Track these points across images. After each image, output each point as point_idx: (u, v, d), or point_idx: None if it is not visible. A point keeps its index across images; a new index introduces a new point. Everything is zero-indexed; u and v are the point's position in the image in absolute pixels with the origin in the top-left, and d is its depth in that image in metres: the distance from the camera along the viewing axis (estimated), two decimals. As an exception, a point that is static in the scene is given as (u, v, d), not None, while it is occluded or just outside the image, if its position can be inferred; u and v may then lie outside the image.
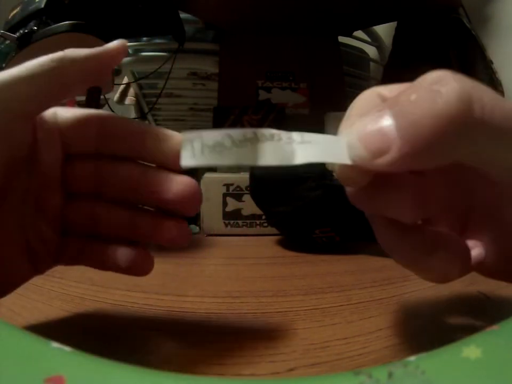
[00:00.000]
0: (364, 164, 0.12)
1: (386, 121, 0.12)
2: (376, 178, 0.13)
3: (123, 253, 0.19)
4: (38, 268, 0.18)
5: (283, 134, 0.12)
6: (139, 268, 0.19)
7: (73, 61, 0.16)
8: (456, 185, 0.16)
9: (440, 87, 0.11)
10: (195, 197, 0.18)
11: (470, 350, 0.09)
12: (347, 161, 0.12)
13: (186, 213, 0.18)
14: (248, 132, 0.12)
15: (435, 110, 0.11)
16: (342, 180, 0.13)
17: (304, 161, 0.12)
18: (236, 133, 0.12)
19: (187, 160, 0.12)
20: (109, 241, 0.19)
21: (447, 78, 0.11)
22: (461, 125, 0.11)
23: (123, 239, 0.19)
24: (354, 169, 0.13)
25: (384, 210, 0.14)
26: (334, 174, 0.14)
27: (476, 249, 0.17)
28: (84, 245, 0.19)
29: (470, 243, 0.17)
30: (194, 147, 0.12)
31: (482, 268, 0.17)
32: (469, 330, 0.10)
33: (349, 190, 0.15)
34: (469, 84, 0.11)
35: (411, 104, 0.11)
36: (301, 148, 0.12)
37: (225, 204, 0.52)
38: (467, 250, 0.15)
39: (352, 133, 0.12)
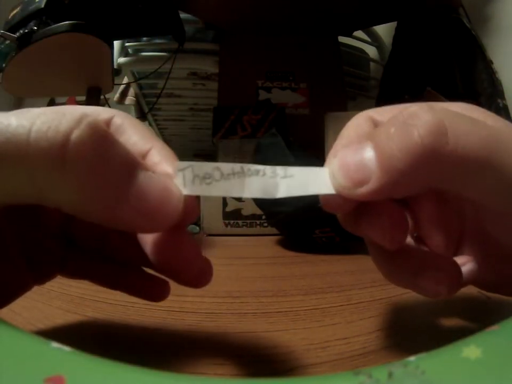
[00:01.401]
0: (345, 193, 0.13)
1: (367, 153, 0.12)
2: (360, 205, 0.14)
3: (135, 276, 0.18)
4: (39, 278, 0.17)
5: (268, 169, 0.13)
6: (152, 294, 0.18)
7: None
8: (446, 205, 0.16)
9: (415, 121, 0.12)
10: (208, 279, 0.16)
11: (470, 350, 0.09)
12: (330, 190, 0.13)
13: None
14: (236, 166, 0.13)
15: (408, 143, 0.11)
16: (327, 207, 0.14)
17: (285, 195, 0.13)
18: (225, 166, 0.13)
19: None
20: (119, 262, 0.18)
21: (422, 111, 0.12)
22: (432, 157, 0.11)
23: (135, 262, 0.18)
24: (338, 197, 0.13)
25: (368, 235, 0.15)
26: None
27: (468, 265, 0.17)
28: (91, 260, 0.18)
29: (463, 258, 0.18)
30: (186, 177, 0.13)
31: (476, 281, 0.18)
32: (469, 330, 0.10)
33: (338, 215, 0.16)
34: (445, 116, 0.12)
35: (389, 138, 0.12)
36: (284, 182, 0.13)
37: (225, 204, 0.52)
38: (456, 269, 0.15)
39: (334, 164, 0.13)
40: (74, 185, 0.11)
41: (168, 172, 0.13)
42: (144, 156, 0.14)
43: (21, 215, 0.16)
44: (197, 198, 0.14)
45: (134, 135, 0.15)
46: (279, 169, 0.13)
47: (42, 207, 0.16)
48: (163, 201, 0.12)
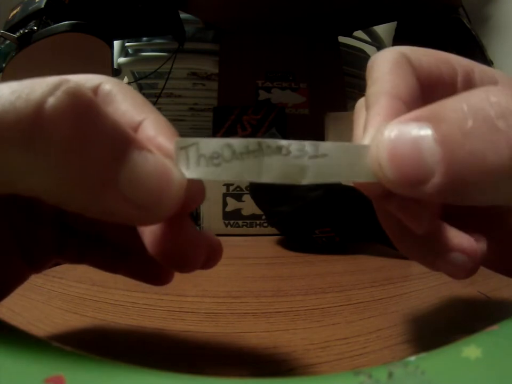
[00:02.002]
0: (393, 189, 0.10)
1: (428, 144, 0.09)
2: None
3: (136, 258, 0.16)
4: (34, 266, 0.16)
5: (294, 146, 0.10)
6: (156, 277, 0.16)
7: None
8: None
9: (509, 125, 0.09)
10: (216, 262, 0.15)
11: (470, 350, 0.09)
12: (371, 178, 0.11)
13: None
14: (252, 142, 0.10)
15: (493, 157, 0.09)
16: (360, 189, 0.12)
17: (314, 180, 0.11)
18: (238, 143, 0.10)
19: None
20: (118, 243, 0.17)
21: None
22: None
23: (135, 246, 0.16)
24: (378, 186, 0.11)
25: (398, 215, 0.12)
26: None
27: (480, 243, 0.16)
28: (89, 243, 0.17)
29: (474, 236, 0.16)
30: (189, 157, 0.10)
31: (485, 261, 0.16)
32: (469, 330, 0.10)
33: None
34: None
35: (464, 135, 0.09)
36: (313, 164, 0.11)
37: (225, 204, 0.52)
38: (478, 251, 0.13)
39: (382, 148, 0.10)
40: (48, 168, 0.09)
41: (165, 148, 0.11)
42: (136, 128, 0.12)
43: (9, 200, 0.14)
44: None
45: (123, 103, 0.12)
46: (309, 146, 0.11)
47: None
48: (161, 188, 0.10)
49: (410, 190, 0.10)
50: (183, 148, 0.10)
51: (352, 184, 0.12)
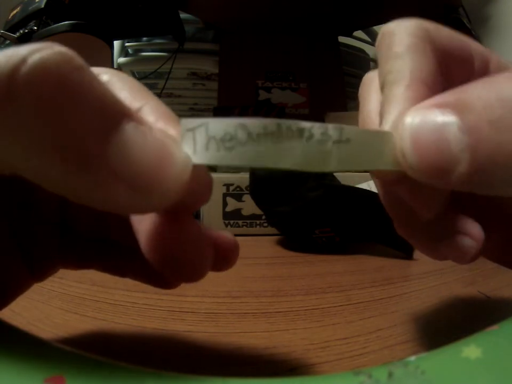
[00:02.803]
0: (417, 177, 0.10)
1: (454, 134, 0.09)
2: None
3: (143, 262, 0.15)
4: (37, 273, 0.15)
5: (316, 128, 0.09)
6: (164, 281, 0.15)
7: None
8: None
9: None
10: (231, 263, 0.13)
11: (470, 350, 0.09)
12: (394, 166, 0.10)
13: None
14: (270, 123, 0.09)
15: None
16: (379, 178, 0.12)
17: (338, 168, 0.10)
18: (254, 123, 0.09)
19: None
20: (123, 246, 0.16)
21: None
22: None
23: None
24: (400, 174, 0.11)
25: (409, 201, 0.12)
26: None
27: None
28: (92, 246, 0.16)
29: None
30: (197, 140, 0.09)
31: (487, 252, 0.16)
32: (469, 330, 0.10)
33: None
34: None
35: (492, 127, 0.09)
36: (337, 149, 0.10)
37: (225, 204, 0.52)
38: (481, 238, 0.13)
39: (405, 136, 0.10)
40: (26, 136, 0.08)
41: (165, 130, 0.10)
42: None
43: (9, 205, 0.14)
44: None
45: (122, 91, 0.11)
46: (332, 129, 0.10)
47: (33, 194, 0.14)
48: (160, 166, 0.09)
49: (435, 179, 0.10)
50: (190, 130, 0.09)
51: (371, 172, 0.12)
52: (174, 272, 0.11)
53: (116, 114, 0.09)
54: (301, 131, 0.09)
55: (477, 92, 0.09)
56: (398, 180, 0.11)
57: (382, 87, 0.13)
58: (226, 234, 0.13)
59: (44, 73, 0.08)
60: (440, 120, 0.09)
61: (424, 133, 0.10)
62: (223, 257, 0.13)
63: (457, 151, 0.09)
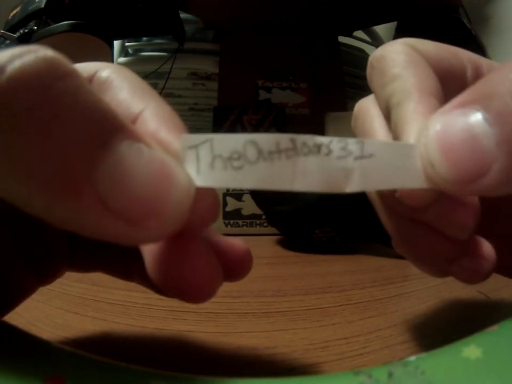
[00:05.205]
0: (450, 189, 0.09)
1: (481, 129, 0.08)
2: None
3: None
4: (42, 277, 0.15)
5: (334, 143, 0.08)
6: None
7: None
8: None
9: None
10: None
11: (470, 350, 0.09)
12: (422, 183, 0.09)
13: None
14: (283, 139, 0.08)
15: None
16: (407, 201, 0.11)
17: (360, 188, 0.09)
18: (265, 139, 0.08)
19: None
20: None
21: None
22: None
23: None
24: (429, 191, 0.10)
25: (443, 226, 0.11)
26: (396, 194, 0.10)
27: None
28: (99, 248, 0.15)
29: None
30: (201, 159, 0.08)
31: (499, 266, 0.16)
32: (469, 330, 0.10)
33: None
34: None
35: None
36: (359, 166, 0.08)
37: (225, 203, 0.52)
38: (493, 257, 0.12)
39: (431, 145, 0.09)
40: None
41: (168, 145, 0.09)
42: (134, 120, 0.10)
43: (14, 207, 0.14)
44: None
45: (121, 90, 0.10)
46: (353, 144, 0.09)
47: None
48: (157, 191, 0.07)
49: (471, 185, 0.09)
50: (193, 147, 0.08)
51: (398, 193, 0.11)
52: (179, 297, 0.10)
53: (106, 130, 0.07)
54: (318, 146, 0.08)
55: (497, 79, 0.09)
56: (429, 203, 0.11)
57: (387, 114, 0.12)
58: (238, 243, 0.12)
59: (24, 84, 0.07)
60: (465, 119, 0.09)
61: (451, 135, 0.09)
62: (235, 269, 0.12)
63: (489, 147, 0.08)
